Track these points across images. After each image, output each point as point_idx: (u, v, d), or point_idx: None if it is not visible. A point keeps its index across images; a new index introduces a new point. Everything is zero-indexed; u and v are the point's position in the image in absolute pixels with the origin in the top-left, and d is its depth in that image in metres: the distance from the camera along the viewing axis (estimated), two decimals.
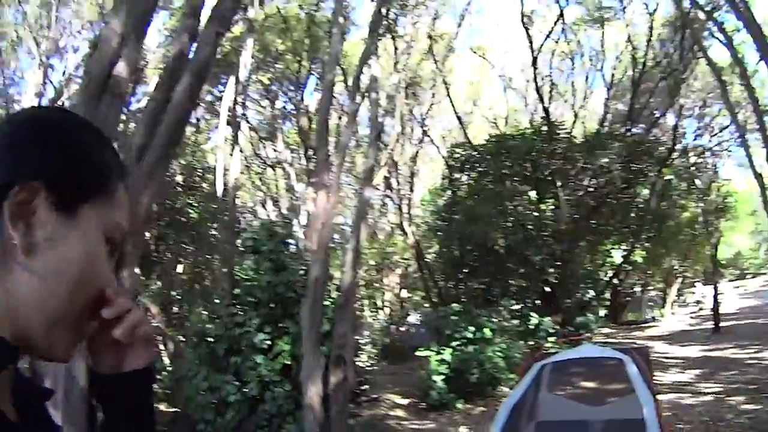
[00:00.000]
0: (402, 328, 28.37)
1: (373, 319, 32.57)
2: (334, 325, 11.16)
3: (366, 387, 13.63)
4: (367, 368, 23.59)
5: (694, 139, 32.25)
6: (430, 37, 24.63)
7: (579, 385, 10.81)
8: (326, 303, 12.08)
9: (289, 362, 11.19)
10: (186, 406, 12.44)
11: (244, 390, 11.27)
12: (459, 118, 26.66)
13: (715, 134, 32.19)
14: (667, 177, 28.52)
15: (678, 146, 29.70)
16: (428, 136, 28.08)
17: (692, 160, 31.83)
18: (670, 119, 29.18)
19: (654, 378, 9.53)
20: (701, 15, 19.89)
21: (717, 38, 15.85)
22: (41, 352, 0.96)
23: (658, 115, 29.93)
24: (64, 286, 0.93)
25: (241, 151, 28.05)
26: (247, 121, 27.31)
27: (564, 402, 9.84)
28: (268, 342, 11.76)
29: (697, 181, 31.18)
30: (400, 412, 16.44)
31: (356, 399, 13.32)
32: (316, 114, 19.07)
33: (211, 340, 12.35)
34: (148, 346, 1.09)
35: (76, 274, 0.94)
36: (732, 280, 54.05)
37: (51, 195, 0.93)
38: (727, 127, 31.52)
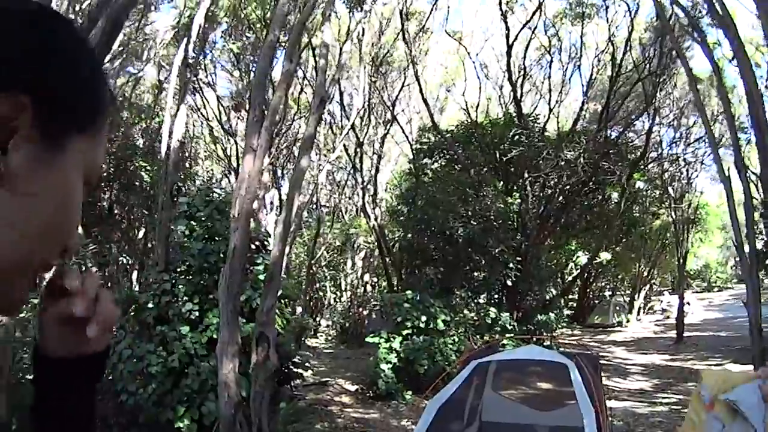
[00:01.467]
0: (365, 312, 27.89)
1: (336, 302, 32.24)
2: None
3: (299, 370, 13.12)
4: (323, 351, 23.35)
5: (669, 148, 31.95)
6: (401, 14, 24.09)
7: (526, 387, 10.44)
8: (261, 277, 11.57)
9: (216, 336, 10.67)
10: (111, 375, 11.92)
11: (168, 361, 10.75)
12: (426, 101, 26.17)
13: (691, 144, 31.96)
14: (638, 182, 28.29)
15: (652, 153, 29.51)
16: (395, 119, 27.63)
17: (666, 167, 31.68)
18: (646, 124, 28.90)
19: (603, 385, 9.20)
20: (684, 21, 19.57)
21: (700, 45, 15.37)
22: None
23: (633, 118, 29.63)
24: (26, 235, 0.75)
25: (207, 118, 27.90)
26: (214, 90, 26.91)
27: (510, 404, 9.51)
28: (197, 312, 11.29)
29: (670, 190, 30.98)
30: (346, 399, 16.06)
31: (288, 381, 12.83)
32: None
33: (140, 306, 11.85)
34: (110, 328, 0.94)
35: (46, 222, 0.77)
36: (698, 292, 54.14)
37: (38, 117, 0.73)
38: (701, 138, 31.49)
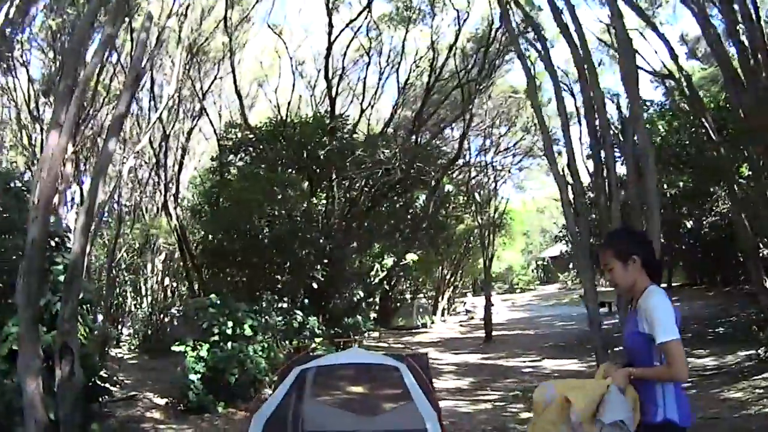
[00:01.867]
0: (166, 319, 26.40)
1: (137, 308, 30.45)
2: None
3: (107, 384, 11.89)
4: (128, 362, 21.75)
5: (478, 155, 32.97)
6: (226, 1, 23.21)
7: (348, 393, 9.94)
8: (61, 278, 10.23)
9: (17, 347, 9.31)
10: None
11: None
12: (239, 95, 25.63)
13: (500, 152, 33.22)
14: (446, 187, 28.85)
15: (461, 160, 30.22)
16: (205, 111, 26.57)
17: (473, 174, 32.64)
18: (457, 131, 29.60)
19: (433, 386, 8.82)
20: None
21: (537, 51, 15.72)
22: None
23: (444, 125, 30.24)
24: None
25: (15, 102, 25.35)
26: (27, 70, 24.48)
27: (333, 411, 8.95)
28: None
29: (477, 196, 31.87)
30: (157, 414, 14.66)
31: (96, 397, 11.55)
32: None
33: None
34: None
35: None
36: (501, 293, 56.56)
37: None
38: (508, 148, 33.05)
